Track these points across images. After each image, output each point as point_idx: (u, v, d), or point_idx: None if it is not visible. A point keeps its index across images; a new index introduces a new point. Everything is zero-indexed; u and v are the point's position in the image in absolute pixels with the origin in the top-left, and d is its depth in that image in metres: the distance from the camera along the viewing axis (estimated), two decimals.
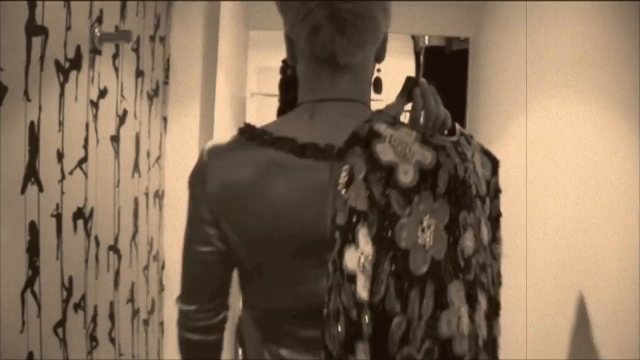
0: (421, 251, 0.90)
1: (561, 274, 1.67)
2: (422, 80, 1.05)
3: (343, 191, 0.89)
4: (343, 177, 0.90)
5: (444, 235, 0.92)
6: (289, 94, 2.43)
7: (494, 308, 1.07)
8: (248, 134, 1.01)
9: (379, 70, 1.14)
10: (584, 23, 1.64)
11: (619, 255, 1.39)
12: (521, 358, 1.94)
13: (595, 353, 1.46)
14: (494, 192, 1.09)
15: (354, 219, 0.89)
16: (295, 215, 0.97)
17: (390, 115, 0.96)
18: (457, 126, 1.05)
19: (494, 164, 1.09)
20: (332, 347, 0.89)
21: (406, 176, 0.91)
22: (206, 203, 1.02)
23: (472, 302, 0.96)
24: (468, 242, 0.96)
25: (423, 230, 0.91)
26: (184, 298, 1.14)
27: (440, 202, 0.92)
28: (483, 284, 1.01)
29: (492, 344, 1.05)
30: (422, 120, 1.03)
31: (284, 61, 2.44)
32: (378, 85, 1.14)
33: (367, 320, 0.87)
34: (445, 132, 1.04)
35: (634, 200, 1.33)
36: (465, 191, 0.97)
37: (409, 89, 1.03)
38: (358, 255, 0.88)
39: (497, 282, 1.08)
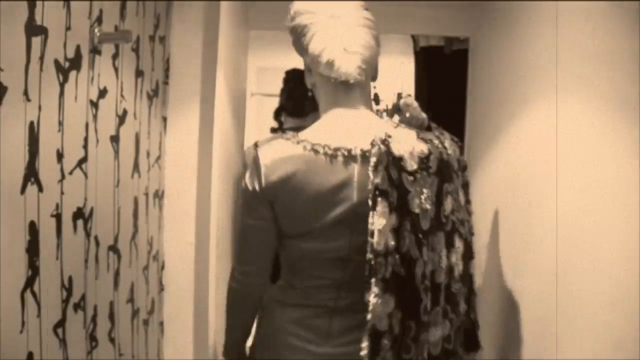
0: (425, 214, 1.29)
1: (560, 274, 1.67)
2: (407, 94, 1.47)
3: (372, 175, 1.28)
4: (372, 166, 1.28)
5: (434, 201, 1.31)
6: (286, 100, 2.76)
7: (470, 251, 1.46)
8: (291, 139, 1.37)
9: (374, 87, 1.50)
10: (584, 22, 1.64)
11: (619, 255, 1.39)
12: (518, 357, 1.94)
13: (595, 353, 1.46)
14: (463, 167, 1.46)
15: (377, 194, 1.26)
16: (329, 198, 1.34)
17: (394, 122, 1.38)
18: (432, 124, 1.46)
19: (459, 146, 1.47)
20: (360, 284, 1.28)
21: (410, 162, 1.29)
22: (263, 192, 1.37)
23: (449, 247, 1.35)
24: (448, 204, 1.35)
25: (425, 199, 1.30)
26: (243, 261, 1.48)
27: (433, 178, 1.32)
28: (461, 233, 1.40)
29: (468, 277, 1.45)
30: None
31: (286, 73, 2.85)
32: (376, 99, 1.82)
33: (384, 266, 1.25)
34: (424, 129, 1.45)
35: (634, 200, 1.33)
36: (448, 168, 1.36)
37: (398, 102, 1.46)
38: (376, 220, 1.26)
39: (471, 232, 1.47)
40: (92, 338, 1.48)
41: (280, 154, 1.36)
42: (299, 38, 1.39)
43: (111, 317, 1.62)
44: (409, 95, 1.47)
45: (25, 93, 1.11)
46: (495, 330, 2.29)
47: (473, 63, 2.97)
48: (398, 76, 4.41)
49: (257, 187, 1.37)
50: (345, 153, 1.34)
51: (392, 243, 1.26)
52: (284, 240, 1.43)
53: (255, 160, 1.38)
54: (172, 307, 2.08)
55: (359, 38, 1.34)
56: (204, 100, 2.12)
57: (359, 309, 1.29)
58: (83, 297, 1.41)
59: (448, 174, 1.36)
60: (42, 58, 1.17)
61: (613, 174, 1.45)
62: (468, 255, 1.44)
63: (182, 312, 2.08)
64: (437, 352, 1.34)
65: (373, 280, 1.26)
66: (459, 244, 1.38)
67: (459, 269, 1.38)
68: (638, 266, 1.30)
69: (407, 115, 1.44)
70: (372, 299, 1.26)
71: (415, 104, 1.46)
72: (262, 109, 5.02)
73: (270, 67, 5.05)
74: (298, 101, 2.59)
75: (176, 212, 2.07)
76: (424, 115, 1.45)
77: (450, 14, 2.99)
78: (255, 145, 1.41)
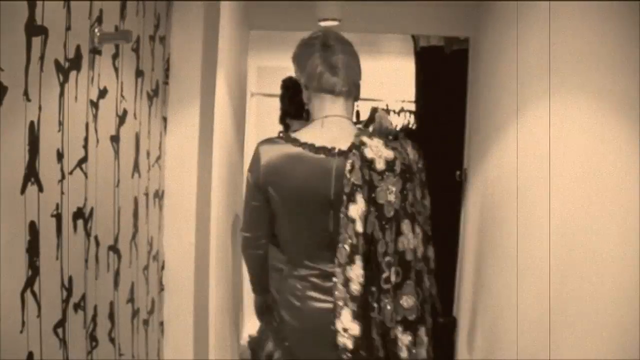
0: (388, 205, 1.66)
1: (560, 275, 1.67)
2: (380, 108, 1.84)
3: (348, 174, 1.66)
4: (348, 167, 1.66)
5: (399, 195, 1.67)
6: (288, 105, 3.09)
7: (427, 237, 1.79)
8: (286, 138, 1.78)
9: (357, 105, 1.95)
10: (583, 23, 1.64)
11: (619, 255, 1.40)
12: (519, 358, 1.94)
13: (595, 353, 1.46)
14: (420, 169, 1.79)
15: (355, 189, 1.65)
16: (311, 186, 1.74)
17: (367, 132, 1.74)
18: (399, 133, 1.80)
19: (418, 151, 1.80)
20: (340, 259, 1.65)
21: (378, 164, 1.67)
22: (259, 178, 1.78)
23: (413, 232, 1.69)
24: (410, 199, 1.70)
25: (389, 194, 1.66)
26: (246, 230, 1.92)
27: (397, 178, 1.68)
28: (419, 222, 1.74)
29: (427, 259, 1.78)
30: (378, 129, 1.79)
31: (283, 81, 3.18)
32: (357, 115, 1.93)
33: (361, 243, 1.63)
34: (392, 136, 1.77)
35: (634, 200, 1.33)
36: (409, 170, 1.72)
37: (373, 114, 1.80)
38: (357, 209, 1.64)
39: (427, 221, 1.82)
40: (92, 338, 1.48)
41: (275, 151, 1.77)
42: (300, 62, 1.82)
43: (111, 317, 1.62)
44: (383, 109, 1.84)
45: (26, 93, 1.12)
46: (493, 332, 2.29)
47: (473, 63, 2.97)
48: (398, 76, 4.42)
49: (256, 178, 1.79)
50: (327, 152, 1.74)
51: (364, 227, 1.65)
52: (279, 225, 1.84)
53: (257, 156, 1.80)
54: (172, 307, 2.08)
55: (345, 62, 1.78)
56: (204, 100, 2.12)
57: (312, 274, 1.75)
58: (83, 297, 1.41)
59: (410, 175, 1.72)
60: (42, 58, 1.17)
61: (612, 175, 1.45)
62: (426, 240, 1.78)
63: (182, 312, 2.08)
64: (412, 318, 1.67)
65: (357, 257, 1.63)
66: (418, 230, 1.72)
67: (420, 250, 1.72)
68: (638, 267, 1.30)
69: (380, 125, 1.74)
70: (358, 271, 1.63)
71: (387, 116, 1.79)
72: (262, 109, 5.01)
73: (270, 67, 5.04)
74: (299, 105, 2.75)
75: (176, 212, 2.07)
76: (393, 125, 1.81)
77: (450, 14, 2.99)
78: (256, 148, 1.81)
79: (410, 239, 1.67)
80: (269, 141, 1.81)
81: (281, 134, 1.85)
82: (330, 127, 1.77)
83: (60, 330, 1.28)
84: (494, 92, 2.53)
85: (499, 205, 2.34)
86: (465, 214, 2.98)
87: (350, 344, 1.61)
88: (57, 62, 1.24)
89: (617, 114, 1.44)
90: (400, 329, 1.65)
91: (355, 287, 1.62)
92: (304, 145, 1.74)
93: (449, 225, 3.13)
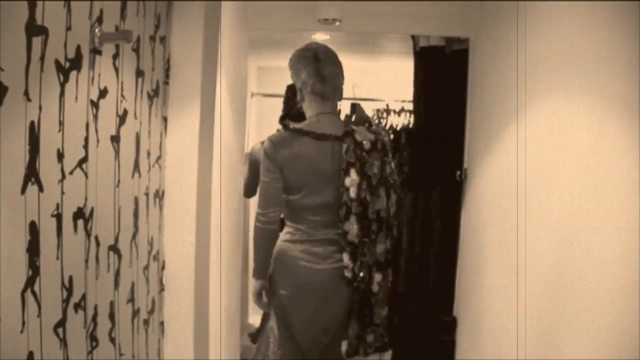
0: (375, 175, 2.22)
1: (561, 274, 1.67)
2: (358, 103, 3.05)
3: (344, 154, 2.19)
4: (344, 149, 2.19)
5: (380, 167, 2.23)
6: (292, 108, 3.40)
7: (400, 201, 2.36)
8: (293, 130, 2.24)
9: (340, 104, 2.56)
10: (583, 23, 1.64)
11: (619, 255, 1.40)
12: (519, 358, 1.94)
13: (595, 353, 1.46)
14: (391, 148, 2.33)
15: (349, 165, 2.18)
16: (316, 164, 2.21)
17: (352, 122, 2.71)
18: (372, 121, 3.15)
19: (387, 135, 2.39)
20: (340, 217, 2.19)
21: (366, 145, 2.21)
22: (277, 161, 2.21)
23: (389, 196, 2.26)
24: (387, 170, 2.26)
25: (374, 167, 2.21)
26: (262, 207, 2.26)
27: (379, 155, 2.23)
28: (395, 189, 2.29)
29: (398, 215, 2.34)
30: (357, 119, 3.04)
31: (288, 87, 3.44)
32: (339, 113, 2.57)
33: (354, 205, 2.18)
34: (367, 124, 2.41)
35: (634, 200, 1.33)
36: (385, 148, 2.27)
37: (354, 108, 2.89)
38: (350, 180, 2.17)
39: (399, 189, 2.35)
40: (93, 338, 1.48)
41: (286, 139, 2.23)
42: (295, 71, 2.26)
43: (111, 317, 1.62)
44: (360, 105, 2.52)
45: (26, 93, 1.12)
46: (493, 331, 2.29)
47: (473, 63, 2.97)
48: (398, 76, 4.41)
49: (272, 158, 2.21)
50: (326, 138, 2.21)
51: (357, 193, 2.18)
52: (289, 198, 2.25)
53: (271, 143, 2.22)
54: (172, 307, 2.08)
55: (332, 70, 2.24)
56: (205, 100, 2.12)
57: (335, 239, 2.22)
58: (83, 297, 1.41)
59: (386, 152, 2.27)
60: (42, 58, 1.17)
61: (611, 174, 1.45)
62: (398, 203, 2.33)
63: (182, 312, 2.08)
64: (382, 260, 2.25)
65: (351, 216, 2.17)
66: (393, 195, 2.28)
67: (393, 209, 2.28)
68: (638, 266, 1.30)
69: (360, 116, 2.39)
70: (351, 227, 2.18)
71: (363, 109, 2.51)
72: (262, 109, 5.01)
73: (270, 67, 5.04)
74: (299, 110, 2.93)
75: (176, 212, 2.07)
76: (368, 116, 2.49)
77: (450, 14, 2.99)
78: (269, 139, 2.25)
79: (384, 200, 2.23)
80: (279, 134, 2.27)
81: (288, 128, 2.26)
82: (323, 121, 2.25)
83: (60, 330, 1.28)
84: (494, 92, 2.53)
85: (499, 205, 2.34)
86: (465, 214, 2.98)
87: (350, 275, 2.19)
88: (57, 62, 1.24)
89: (617, 114, 1.44)
90: (375, 268, 2.23)
91: (350, 238, 2.18)
92: (308, 133, 2.21)
93: (449, 225, 3.13)
